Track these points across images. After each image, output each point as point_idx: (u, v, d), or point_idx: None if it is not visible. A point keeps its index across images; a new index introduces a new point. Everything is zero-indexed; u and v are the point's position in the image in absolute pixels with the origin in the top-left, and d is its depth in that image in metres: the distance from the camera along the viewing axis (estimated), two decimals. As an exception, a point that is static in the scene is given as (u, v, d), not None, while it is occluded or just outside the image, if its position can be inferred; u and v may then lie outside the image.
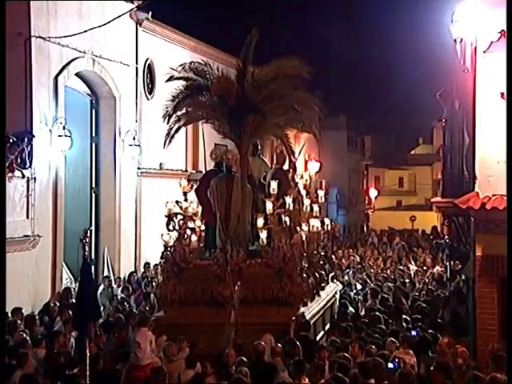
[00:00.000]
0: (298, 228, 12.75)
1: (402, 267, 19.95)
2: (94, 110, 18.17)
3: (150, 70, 19.75)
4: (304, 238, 12.72)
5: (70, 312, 11.46)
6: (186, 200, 12.50)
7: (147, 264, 18.05)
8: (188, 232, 12.26)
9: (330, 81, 35.17)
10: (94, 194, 18.08)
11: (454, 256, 16.22)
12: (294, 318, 11.04)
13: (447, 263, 18.11)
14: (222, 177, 12.54)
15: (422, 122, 45.61)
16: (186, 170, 21.49)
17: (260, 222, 11.87)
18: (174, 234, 12.22)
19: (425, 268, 19.80)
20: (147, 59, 19.57)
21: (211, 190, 12.44)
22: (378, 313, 12.37)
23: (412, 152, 55.31)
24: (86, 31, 16.37)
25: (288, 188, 12.78)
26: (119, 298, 14.90)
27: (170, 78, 12.97)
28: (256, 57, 12.22)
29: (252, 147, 13.01)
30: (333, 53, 37.69)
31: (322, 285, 13.69)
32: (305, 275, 12.39)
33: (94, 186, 18.08)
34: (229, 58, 22.35)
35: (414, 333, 10.83)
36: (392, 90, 39.29)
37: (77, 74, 17.04)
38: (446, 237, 19.52)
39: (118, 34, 18.11)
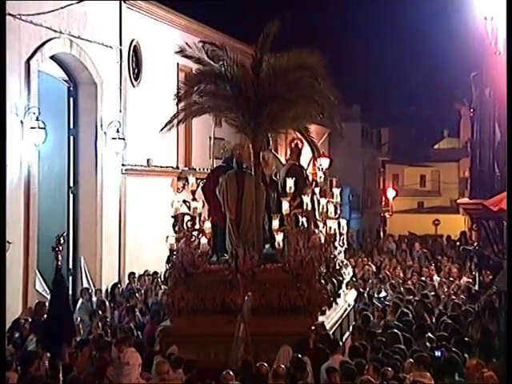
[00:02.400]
0: (316, 230, 13.16)
1: (424, 278, 19.90)
2: (71, 99, 18.13)
3: (135, 53, 19.73)
4: (323, 241, 13.07)
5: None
6: (194, 199, 12.92)
7: (132, 274, 18.02)
8: (195, 234, 12.69)
9: (342, 65, 35.13)
10: (71, 195, 18.04)
11: (483, 265, 16.20)
12: (313, 328, 11.36)
13: (476, 274, 18.07)
14: (233, 174, 12.80)
15: (446, 112, 45.57)
16: (178, 167, 21.48)
17: (275, 223, 12.22)
18: (181, 237, 12.63)
19: (450, 279, 19.75)
20: (132, 40, 19.54)
21: (221, 188, 12.73)
22: (396, 330, 12.31)
23: (435, 146, 55.25)
24: (62, 8, 16.31)
25: (304, 186, 13.18)
26: (101, 313, 14.88)
27: (181, 51, 13.16)
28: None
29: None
30: (345, 34, 37.68)
31: (339, 292, 14.02)
32: (323, 281, 12.73)
33: (71, 185, 18.03)
34: (225, 38, 22.32)
35: (438, 353, 10.79)
36: (413, 75, 39.22)
37: (52, 57, 16.99)
38: (476, 243, 19.48)
39: (100, 12, 18.06)
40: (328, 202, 14.00)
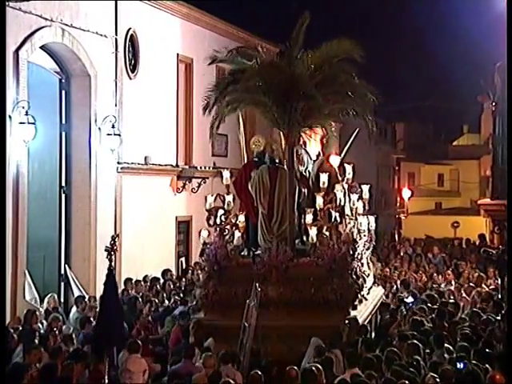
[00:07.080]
0: (349, 225, 14.01)
1: (442, 284, 19.85)
2: (63, 92, 18.16)
3: (132, 43, 19.74)
4: (356, 236, 13.93)
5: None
6: (228, 194, 13.86)
7: (129, 280, 17.99)
8: (228, 228, 13.67)
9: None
10: (63, 195, 18.06)
11: (507, 271, 16.12)
12: (347, 322, 12.35)
13: (499, 279, 17.98)
14: (266, 168, 13.81)
15: (466, 105, 45.48)
16: (177, 165, 21.46)
17: (309, 217, 13.17)
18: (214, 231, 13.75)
19: (471, 285, 19.69)
20: (129, 29, 19.55)
21: (253, 182, 13.74)
22: (415, 341, 12.23)
23: (454, 143, 55.24)
24: (53, -6, 16.38)
25: (336, 182, 14.17)
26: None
27: (213, 61, 14.27)
28: (263, 28, 12.94)
29: None
30: (356, 23, 37.65)
31: (369, 288, 14.81)
32: (355, 276, 13.54)
33: (63, 184, 18.06)
34: (228, 27, 22.34)
35: (461, 365, 10.75)
36: (430, 67, 39.17)
37: (42, 47, 17.01)
38: (500, 247, 19.42)
39: (94, -2, 18.08)
40: (358, 198, 14.76)
